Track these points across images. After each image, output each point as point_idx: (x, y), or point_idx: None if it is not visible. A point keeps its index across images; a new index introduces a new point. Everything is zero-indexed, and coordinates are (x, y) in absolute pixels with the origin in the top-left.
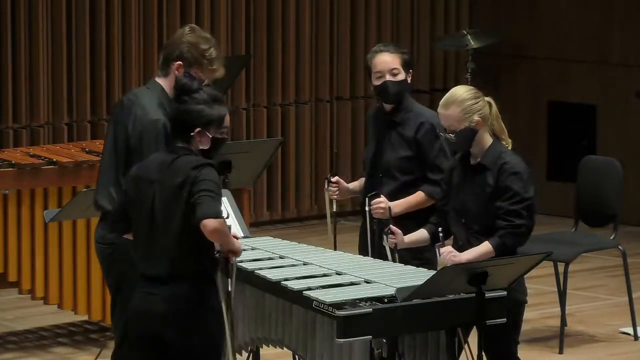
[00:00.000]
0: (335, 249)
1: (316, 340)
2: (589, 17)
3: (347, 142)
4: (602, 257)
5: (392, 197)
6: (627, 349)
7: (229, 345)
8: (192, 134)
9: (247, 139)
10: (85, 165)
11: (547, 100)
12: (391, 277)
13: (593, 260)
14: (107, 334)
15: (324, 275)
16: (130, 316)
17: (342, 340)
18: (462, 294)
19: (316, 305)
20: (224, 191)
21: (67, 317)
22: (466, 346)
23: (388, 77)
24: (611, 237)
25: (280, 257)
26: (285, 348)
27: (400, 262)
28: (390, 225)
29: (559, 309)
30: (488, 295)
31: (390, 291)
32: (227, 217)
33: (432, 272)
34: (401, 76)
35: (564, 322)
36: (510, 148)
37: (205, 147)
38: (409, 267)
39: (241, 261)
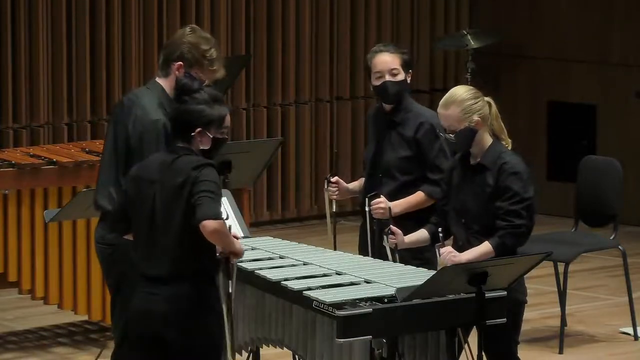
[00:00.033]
0: (335, 249)
1: (316, 340)
2: (589, 17)
3: (347, 142)
4: (602, 257)
5: (392, 197)
6: (627, 349)
7: (229, 346)
8: (192, 134)
9: (247, 139)
10: (85, 165)
11: (547, 100)
12: (391, 277)
13: (593, 260)
14: (107, 334)
15: (324, 275)
16: (130, 316)
17: (342, 340)
18: (462, 294)
19: (316, 305)
20: (224, 191)
21: (67, 317)
22: (466, 346)
23: (388, 77)
24: (611, 237)
25: (280, 257)
26: (285, 348)
27: (400, 262)
28: (391, 226)
29: (559, 309)
30: (488, 295)
31: (390, 291)
32: (227, 218)
33: (432, 272)
34: (401, 76)
35: (564, 322)
36: (510, 148)
37: (206, 147)
38: (409, 267)
39: (241, 261)
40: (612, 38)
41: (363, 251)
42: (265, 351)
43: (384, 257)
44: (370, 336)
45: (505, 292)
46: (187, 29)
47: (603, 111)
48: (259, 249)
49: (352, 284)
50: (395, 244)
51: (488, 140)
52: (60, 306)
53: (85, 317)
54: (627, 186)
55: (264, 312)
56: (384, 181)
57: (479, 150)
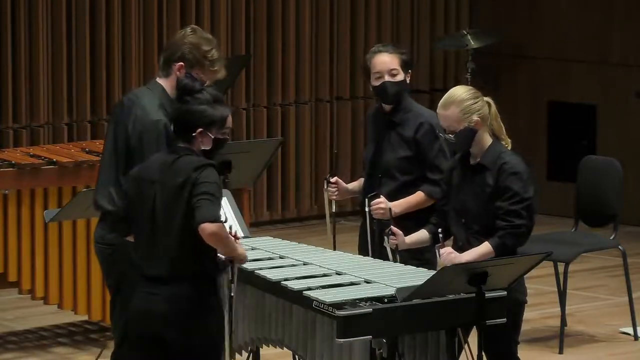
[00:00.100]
0: (334, 249)
1: (316, 340)
2: (589, 17)
3: (347, 142)
4: (602, 257)
5: (391, 198)
6: (627, 349)
7: (227, 347)
8: (194, 134)
9: (247, 139)
10: (85, 165)
11: (547, 100)
12: (391, 277)
13: (593, 260)
14: (107, 334)
15: (324, 275)
16: (131, 316)
17: (342, 340)
18: (462, 294)
19: (316, 305)
20: (224, 191)
21: (67, 317)
22: (466, 346)
23: (387, 78)
24: (611, 237)
25: (280, 257)
26: (285, 348)
27: (400, 262)
28: (391, 227)
29: (559, 309)
30: (488, 295)
31: (390, 291)
32: (225, 221)
33: (432, 272)
34: (400, 77)
35: (564, 322)
36: (509, 148)
37: (207, 148)
38: (409, 267)
39: None
40: (612, 38)
41: (363, 251)
42: (265, 351)
43: (384, 258)
44: (370, 336)
45: (505, 292)
46: (188, 30)
47: (603, 111)
48: (259, 249)
49: (352, 284)
50: (396, 244)
51: (488, 140)
52: (60, 306)
53: (85, 317)
54: (627, 186)
55: (264, 312)
56: (384, 181)
57: (479, 150)
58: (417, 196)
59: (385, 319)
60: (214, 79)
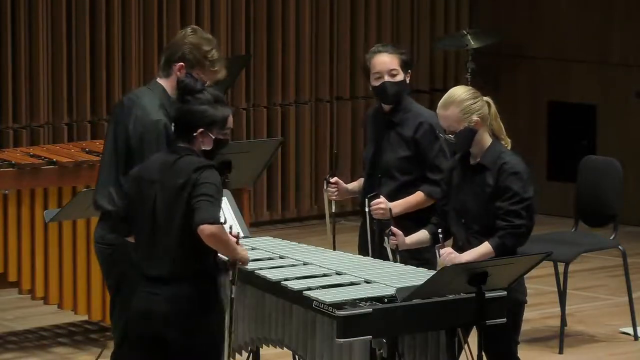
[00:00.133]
0: (334, 249)
1: (316, 340)
2: (589, 17)
3: (347, 142)
4: (602, 257)
5: (391, 198)
6: (627, 349)
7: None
8: (194, 134)
9: (247, 139)
10: (85, 165)
11: (547, 100)
12: (391, 277)
13: (593, 260)
14: (107, 334)
15: (324, 275)
16: (131, 316)
17: (342, 340)
18: (462, 294)
19: (316, 305)
20: (224, 191)
21: (67, 317)
22: (466, 346)
23: (387, 78)
24: (611, 237)
25: (280, 257)
26: (285, 348)
27: (400, 262)
28: (392, 227)
29: (559, 309)
30: (488, 295)
31: (390, 291)
32: (225, 223)
33: (432, 272)
34: (400, 77)
35: (564, 322)
36: (509, 147)
37: (208, 148)
38: (409, 267)
39: None
40: (612, 38)
41: (363, 251)
42: (265, 351)
43: (384, 258)
44: (370, 336)
45: (505, 292)
46: (189, 30)
47: (603, 111)
48: (259, 249)
49: (352, 284)
50: (397, 245)
51: (488, 140)
52: (60, 306)
53: (85, 317)
54: (627, 186)
55: (264, 312)
56: (384, 181)
57: (479, 150)
58: (417, 196)
59: (385, 319)
60: (215, 79)
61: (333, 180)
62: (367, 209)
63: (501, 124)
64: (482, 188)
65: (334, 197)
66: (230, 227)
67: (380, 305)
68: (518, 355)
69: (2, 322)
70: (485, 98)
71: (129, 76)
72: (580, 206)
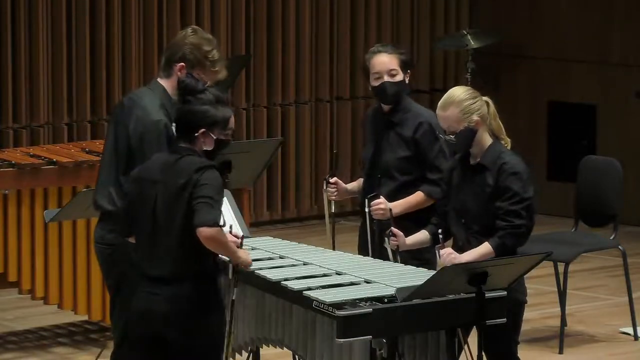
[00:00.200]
0: (334, 249)
1: (316, 340)
2: (589, 17)
3: (347, 142)
4: (602, 257)
5: (391, 198)
6: (627, 349)
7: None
8: (196, 134)
9: (247, 139)
10: (85, 165)
11: (547, 100)
12: (391, 277)
13: (593, 260)
14: (107, 334)
15: (324, 275)
16: (131, 316)
17: (342, 340)
18: (462, 294)
19: (316, 305)
20: (224, 191)
21: (67, 317)
22: (466, 346)
23: (386, 78)
24: (611, 237)
25: (280, 257)
26: (285, 348)
27: (400, 262)
28: (392, 228)
29: (559, 309)
30: (488, 295)
31: (390, 291)
32: (224, 225)
33: (432, 272)
34: (399, 77)
35: (564, 322)
36: (509, 147)
37: (209, 148)
38: (409, 267)
39: None
40: (612, 38)
41: (363, 251)
42: (265, 351)
43: (384, 258)
44: (370, 336)
45: (505, 292)
46: (189, 30)
47: (603, 111)
48: (259, 249)
49: (352, 284)
50: (397, 245)
51: (487, 140)
52: (60, 306)
53: (85, 317)
54: (627, 186)
55: (264, 312)
56: (383, 181)
57: (479, 150)
58: (417, 196)
59: (385, 319)
60: (215, 79)
61: (333, 180)
62: (367, 209)
63: (500, 123)
64: (482, 188)
65: (334, 197)
66: (231, 227)
67: (380, 305)
68: (518, 355)
69: (2, 322)
70: (484, 98)
71: (129, 76)
72: (580, 206)
